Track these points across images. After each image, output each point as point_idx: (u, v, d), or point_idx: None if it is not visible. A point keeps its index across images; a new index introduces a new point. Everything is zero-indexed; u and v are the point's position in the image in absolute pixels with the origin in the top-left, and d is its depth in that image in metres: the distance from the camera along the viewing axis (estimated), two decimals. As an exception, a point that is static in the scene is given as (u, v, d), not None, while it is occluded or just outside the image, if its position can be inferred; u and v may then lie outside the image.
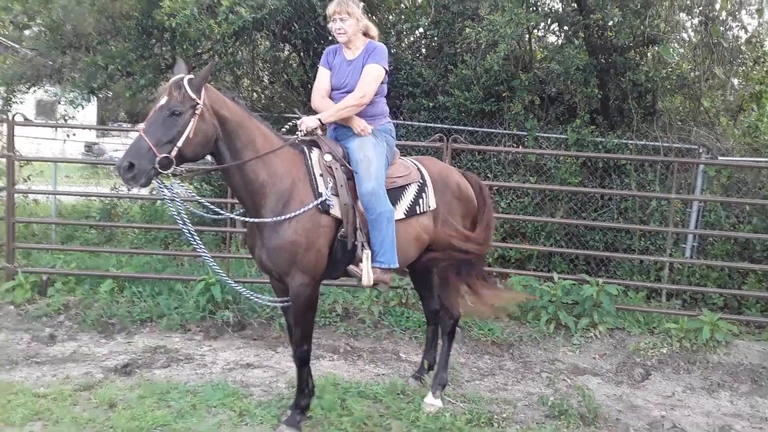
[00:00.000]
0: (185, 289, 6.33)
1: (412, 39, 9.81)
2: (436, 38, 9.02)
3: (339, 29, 4.08)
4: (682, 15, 7.15)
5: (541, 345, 5.93)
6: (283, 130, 4.27)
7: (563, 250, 7.40)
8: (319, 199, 3.84)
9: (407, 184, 4.26)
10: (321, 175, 3.93)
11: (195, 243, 3.92)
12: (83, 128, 11.15)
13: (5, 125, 6.61)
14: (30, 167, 8.27)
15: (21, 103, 9.60)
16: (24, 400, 4.27)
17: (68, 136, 10.87)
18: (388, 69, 4.16)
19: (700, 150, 7.46)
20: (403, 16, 9.49)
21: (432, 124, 8.17)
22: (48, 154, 11.36)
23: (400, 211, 4.16)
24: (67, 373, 4.84)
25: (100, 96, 10.83)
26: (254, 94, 10.66)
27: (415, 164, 4.44)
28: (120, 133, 14.24)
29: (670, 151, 7.58)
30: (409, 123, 8.33)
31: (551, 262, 7.72)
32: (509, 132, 8.04)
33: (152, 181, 3.58)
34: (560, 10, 8.33)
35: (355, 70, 4.10)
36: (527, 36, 8.59)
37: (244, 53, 9.88)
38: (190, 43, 7.37)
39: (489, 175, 8.02)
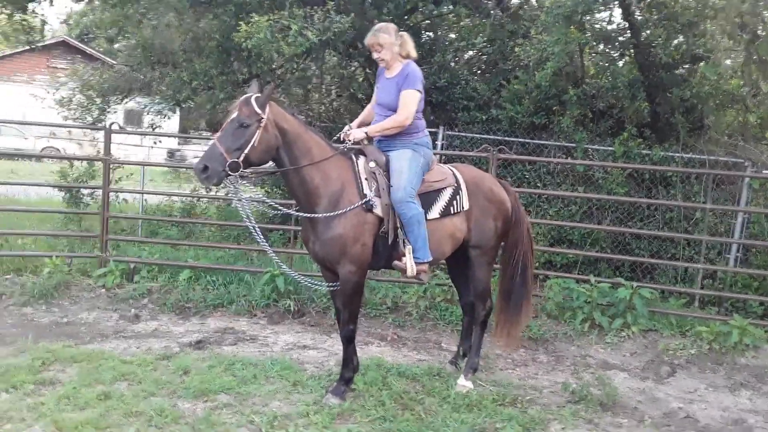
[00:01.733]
0: (253, 279, 7.06)
1: (468, 55, 10.35)
2: (491, 55, 9.54)
3: (377, 59, 4.73)
4: (725, 37, 7.38)
5: (575, 342, 6.35)
6: (335, 138, 4.90)
7: (603, 255, 7.77)
8: (364, 200, 4.47)
9: (443, 188, 4.83)
10: (366, 179, 4.56)
11: (258, 236, 4.59)
12: (170, 136, 12.23)
13: (102, 132, 7.54)
14: (120, 170, 9.24)
15: (114, 113, 10.70)
16: (113, 364, 5.01)
17: (155, 143, 11.93)
18: (422, 91, 4.69)
19: (746, 164, 7.67)
20: (461, 34, 10.07)
21: (486, 136, 8.67)
22: (135, 159, 12.47)
23: (435, 211, 4.75)
24: (149, 346, 5.60)
25: (183, 107, 11.86)
26: (322, 106, 11.45)
27: (451, 170, 5.01)
28: (201, 141, 15.35)
29: (717, 165, 7.83)
30: (464, 135, 8.85)
31: (596, 269, 8.06)
32: (559, 144, 8.46)
33: (223, 182, 4.28)
34: (610, 28, 8.70)
35: (392, 89, 4.69)
36: (578, 53, 8.98)
37: (313, 69, 10.69)
38: (264, 62, 8.15)
39: (539, 184, 8.46)
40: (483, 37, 9.30)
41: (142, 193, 9.58)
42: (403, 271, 4.61)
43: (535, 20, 8.62)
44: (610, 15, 8.84)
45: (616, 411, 4.87)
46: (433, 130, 8.73)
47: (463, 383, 4.99)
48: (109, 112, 10.67)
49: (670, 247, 8.07)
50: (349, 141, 4.68)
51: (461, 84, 9.24)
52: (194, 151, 17.26)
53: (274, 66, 9.88)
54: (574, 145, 8.30)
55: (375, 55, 4.72)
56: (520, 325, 5.42)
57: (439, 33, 10.62)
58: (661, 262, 7.64)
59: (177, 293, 6.86)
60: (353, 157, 4.67)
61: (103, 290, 6.97)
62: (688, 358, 6.05)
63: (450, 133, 8.81)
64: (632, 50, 8.65)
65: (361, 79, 10.86)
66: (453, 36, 10.74)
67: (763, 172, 7.52)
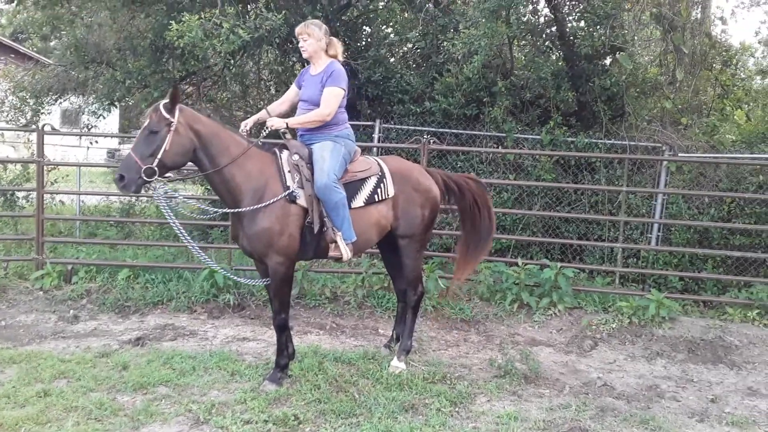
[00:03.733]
0: (192, 276, 7.16)
1: (404, 50, 10.60)
2: (424, 49, 9.80)
3: (301, 47, 4.94)
4: (644, 25, 7.80)
5: (505, 322, 6.67)
6: (245, 127, 5.00)
7: (534, 239, 8.14)
8: (287, 192, 4.64)
9: (367, 177, 5.04)
10: (289, 171, 4.72)
11: (182, 235, 4.78)
12: (105, 136, 12.14)
13: (35, 134, 7.50)
14: (56, 172, 9.18)
15: (48, 113, 10.57)
16: (51, 363, 5.08)
17: (91, 143, 11.83)
18: (345, 89, 4.90)
19: (664, 148, 8.12)
20: (396, 28, 10.31)
21: (420, 128, 8.92)
22: (73, 160, 12.33)
23: (360, 199, 4.95)
24: (88, 345, 5.66)
25: (122, 105, 11.79)
26: (261, 102, 11.50)
27: (376, 160, 5.21)
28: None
29: (636, 150, 8.26)
30: (399, 127, 9.09)
31: (529, 252, 8.43)
32: (490, 134, 8.78)
33: (149, 187, 4.44)
34: (535, 20, 9.06)
35: (315, 85, 4.89)
36: (507, 46, 9.31)
37: (250, 65, 10.76)
38: (197, 60, 8.21)
39: (472, 172, 8.75)
40: (416, 31, 9.54)
41: (78, 194, 9.52)
42: (340, 258, 4.81)
43: (465, 14, 8.89)
44: (534, 8, 9.18)
45: (539, 383, 5.18)
46: (369, 123, 8.99)
47: (396, 364, 5.22)
48: (43, 113, 10.54)
49: (596, 229, 8.48)
50: (268, 128, 4.83)
51: (396, 78, 9.46)
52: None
53: (210, 63, 9.94)
54: (504, 134, 8.62)
55: (300, 44, 4.91)
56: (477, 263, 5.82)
57: (374, 28, 10.82)
58: (586, 243, 8.06)
59: (116, 292, 6.90)
60: (277, 151, 4.84)
61: (41, 292, 6.97)
62: (609, 331, 6.43)
63: (386, 125, 9.03)
64: (557, 42, 9.02)
65: (298, 74, 10.97)
66: (388, 30, 10.97)
67: (680, 155, 7.97)
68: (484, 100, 8.95)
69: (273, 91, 11.76)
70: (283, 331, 4.88)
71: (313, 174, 4.75)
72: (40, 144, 7.39)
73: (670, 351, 6.08)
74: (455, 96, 8.91)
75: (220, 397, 4.58)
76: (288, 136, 4.91)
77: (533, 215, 8.35)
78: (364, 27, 11.04)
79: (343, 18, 10.21)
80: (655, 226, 8.11)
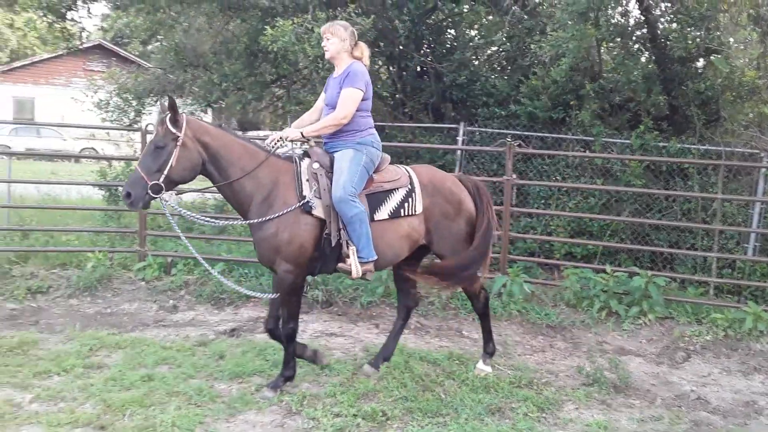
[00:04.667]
0: (282, 272, 7.39)
1: (489, 53, 10.58)
2: (509, 52, 9.77)
3: (324, 46, 4.75)
4: (741, 27, 7.53)
5: (593, 329, 6.57)
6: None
7: (622, 246, 7.95)
8: (302, 202, 4.47)
9: (394, 189, 4.77)
10: (307, 180, 4.53)
11: (188, 245, 4.94)
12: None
13: (139, 133, 7.95)
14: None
15: (149, 114, 11.15)
16: (154, 350, 5.42)
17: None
18: (364, 89, 4.63)
19: (762, 155, 7.79)
20: (481, 31, 10.32)
21: (505, 131, 8.90)
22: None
23: (384, 212, 4.71)
24: (187, 334, 5.99)
25: (214, 107, 12.29)
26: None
27: (406, 171, 4.94)
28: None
29: (732, 156, 7.96)
30: (483, 130, 9.09)
31: (617, 260, 8.24)
32: (577, 137, 8.66)
33: (152, 203, 4.43)
34: (625, 22, 8.87)
35: (335, 87, 4.68)
36: (595, 48, 9.15)
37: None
38: (289, 63, 8.49)
39: (558, 177, 8.67)
40: (502, 34, 9.52)
41: (178, 192, 9.98)
42: (349, 273, 4.58)
43: (552, 17, 8.81)
44: (624, 10, 8.99)
45: (628, 393, 5.09)
46: (453, 125, 9.03)
47: (482, 367, 5.24)
48: (144, 113, 11.13)
49: (689, 238, 8.21)
50: (283, 140, 4.66)
51: (481, 81, 9.48)
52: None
53: (299, 67, 10.24)
54: (592, 138, 8.48)
55: (323, 43, 4.75)
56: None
57: (459, 31, 10.86)
58: (677, 251, 7.82)
59: (212, 285, 7.21)
60: (297, 159, 4.67)
61: (143, 283, 7.38)
62: (703, 344, 6.24)
63: (470, 128, 9.04)
64: (648, 44, 8.81)
65: (384, 77, 11.14)
66: (473, 33, 10.99)
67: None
68: (571, 103, 8.83)
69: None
70: (291, 340, 4.72)
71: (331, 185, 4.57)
72: (144, 143, 7.82)
73: (768, 366, 5.85)
74: (541, 99, 8.83)
75: (311, 390, 4.76)
76: (311, 144, 4.75)
77: (622, 221, 8.17)
78: (449, 30, 11.10)
79: (428, 21, 10.31)
80: (752, 235, 7.78)
